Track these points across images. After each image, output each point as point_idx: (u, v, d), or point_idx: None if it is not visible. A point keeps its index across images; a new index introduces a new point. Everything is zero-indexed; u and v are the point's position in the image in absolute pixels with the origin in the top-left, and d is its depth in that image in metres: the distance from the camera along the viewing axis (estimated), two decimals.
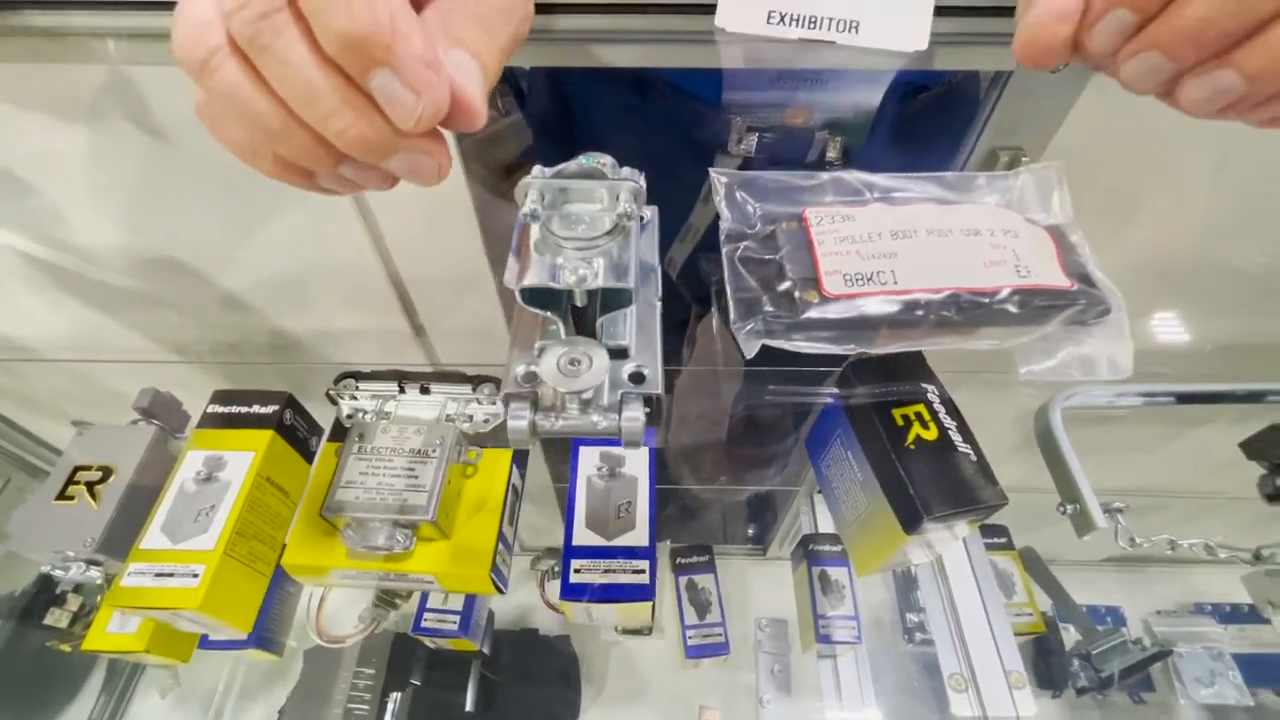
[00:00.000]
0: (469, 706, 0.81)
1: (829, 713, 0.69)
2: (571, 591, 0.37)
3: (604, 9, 0.31)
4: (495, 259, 0.48)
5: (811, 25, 0.28)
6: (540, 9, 0.34)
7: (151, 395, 0.47)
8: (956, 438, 0.36)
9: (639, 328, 0.26)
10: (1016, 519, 0.70)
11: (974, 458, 0.35)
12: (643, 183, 0.23)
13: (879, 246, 0.27)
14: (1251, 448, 0.44)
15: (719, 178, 0.31)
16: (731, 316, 0.27)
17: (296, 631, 0.66)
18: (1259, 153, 0.47)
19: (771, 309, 0.27)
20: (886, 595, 0.83)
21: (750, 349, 0.27)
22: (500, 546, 0.40)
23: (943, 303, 0.27)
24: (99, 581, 0.42)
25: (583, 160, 0.23)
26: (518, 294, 0.24)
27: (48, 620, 0.68)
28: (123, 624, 0.57)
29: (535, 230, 0.24)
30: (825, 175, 0.31)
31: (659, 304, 0.27)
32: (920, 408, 0.37)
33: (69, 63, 0.41)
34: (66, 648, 0.76)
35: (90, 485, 0.42)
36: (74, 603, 0.70)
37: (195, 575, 0.38)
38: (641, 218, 0.25)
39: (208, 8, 0.20)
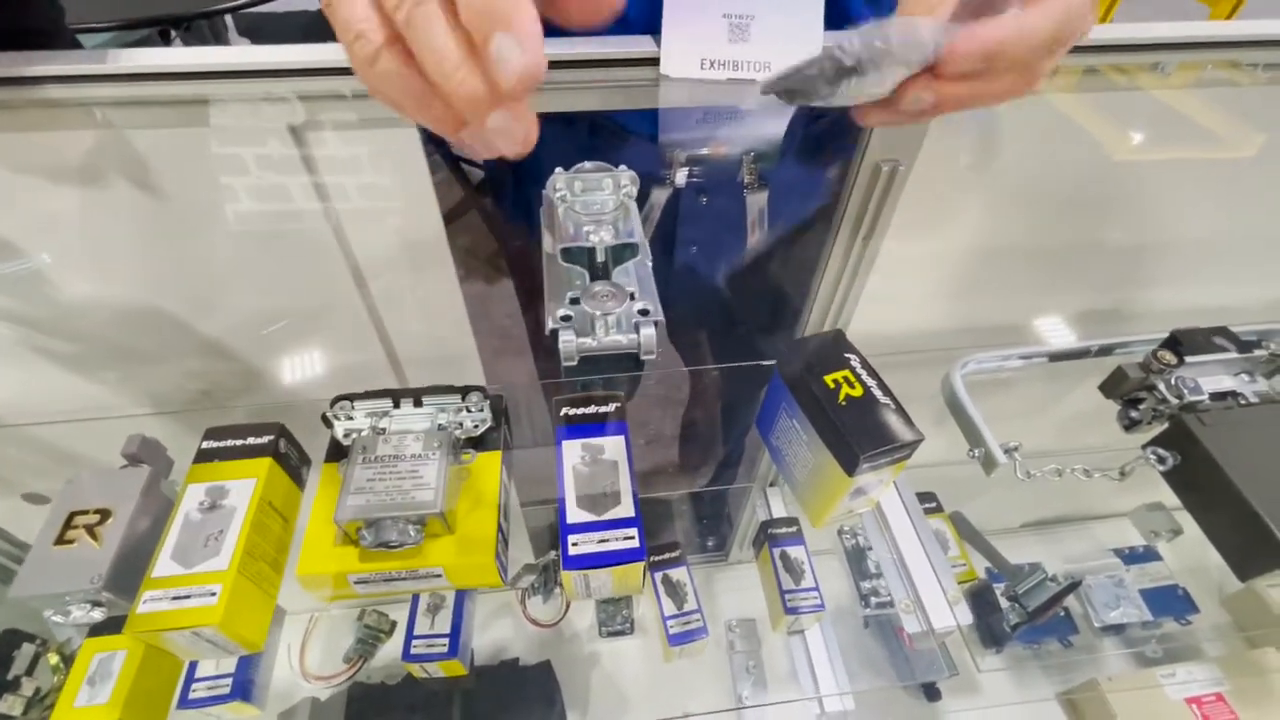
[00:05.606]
0: None
1: (802, 691, 0.75)
2: (573, 563, 0.41)
3: (568, 65, 0.38)
4: (470, 289, 0.53)
5: (736, 68, 0.37)
6: None
7: (139, 441, 0.48)
8: (878, 393, 0.43)
9: (639, 281, 0.33)
10: (942, 495, 0.79)
11: (894, 407, 0.43)
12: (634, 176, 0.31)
13: None
14: (1107, 388, 0.54)
15: None
16: None
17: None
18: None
19: None
20: (843, 583, 0.90)
21: None
22: (500, 537, 0.44)
23: None
24: (100, 621, 0.43)
25: (588, 165, 0.31)
26: (558, 254, 0.31)
27: (1, 708, 0.65)
28: (92, 695, 0.56)
29: (562, 211, 0.31)
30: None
31: (649, 264, 0.34)
32: (846, 373, 0.44)
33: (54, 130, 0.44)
34: None
35: (89, 528, 0.43)
36: (29, 687, 0.67)
37: (213, 594, 0.40)
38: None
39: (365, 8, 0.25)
